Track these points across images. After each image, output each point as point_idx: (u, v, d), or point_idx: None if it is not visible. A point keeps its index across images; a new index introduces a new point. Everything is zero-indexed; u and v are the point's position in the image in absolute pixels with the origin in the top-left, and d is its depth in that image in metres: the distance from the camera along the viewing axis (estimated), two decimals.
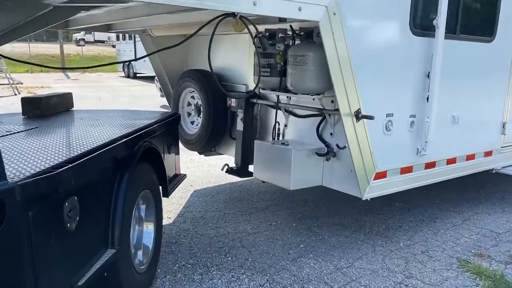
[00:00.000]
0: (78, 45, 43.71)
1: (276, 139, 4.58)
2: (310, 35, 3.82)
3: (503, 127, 5.18)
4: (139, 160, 3.11)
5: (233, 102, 4.99)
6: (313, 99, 3.93)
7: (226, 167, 4.87)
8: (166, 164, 3.83)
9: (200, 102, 5.39)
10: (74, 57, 36.21)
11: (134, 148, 3.06)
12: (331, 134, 4.08)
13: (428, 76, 4.11)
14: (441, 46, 4.01)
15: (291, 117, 4.50)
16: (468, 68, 4.60)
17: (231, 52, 5.15)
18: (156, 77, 14.12)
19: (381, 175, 3.95)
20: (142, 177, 3.23)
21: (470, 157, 4.87)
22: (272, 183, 4.19)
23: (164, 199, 3.83)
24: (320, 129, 4.15)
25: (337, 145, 3.73)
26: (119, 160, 2.83)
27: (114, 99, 15.67)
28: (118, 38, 27.63)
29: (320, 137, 4.14)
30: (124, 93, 17.67)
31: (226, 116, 5.19)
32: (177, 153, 4.45)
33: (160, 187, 3.80)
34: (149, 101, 15.07)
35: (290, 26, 3.91)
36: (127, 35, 25.64)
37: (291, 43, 4.05)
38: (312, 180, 4.14)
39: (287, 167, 3.96)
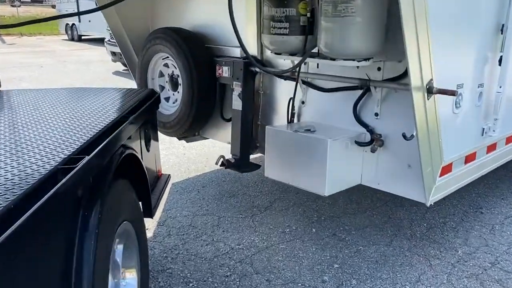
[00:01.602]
0: (12, 6, 39.51)
1: (290, 121, 3.39)
2: None
3: None
4: (113, 178, 1.86)
5: (224, 72, 3.73)
6: (358, 67, 2.75)
7: (222, 160, 3.65)
8: (147, 168, 2.58)
9: (177, 72, 4.08)
10: (8, 19, 32.62)
11: (105, 162, 1.79)
12: (376, 114, 2.94)
13: (501, 30, 3.01)
14: None
15: (311, 91, 3.32)
16: None
17: (219, 3, 3.82)
18: (106, 39, 12.42)
19: (447, 169, 2.89)
20: (118, 204, 1.98)
21: None
22: (295, 185, 3.05)
23: None
24: (358, 107, 3.00)
25: (404, 135, 2.59)
26: (82, 191, 1.57)
27: (58, 66, 13.74)
28: None
29: (359, 119, 3.00)
30: (69, 58, 15.65)
31: (215, 91, 3.93)
32: (157, 147, 3.18)
33: (140, 203, 2.57)
34: (100, 67, 13.30)
35: None
36: None
37: None
38: (350, 179, 3.03)
39: (319, 164, 2.82)
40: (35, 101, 2.63)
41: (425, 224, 3.76)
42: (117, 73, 12.22)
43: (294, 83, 3.31)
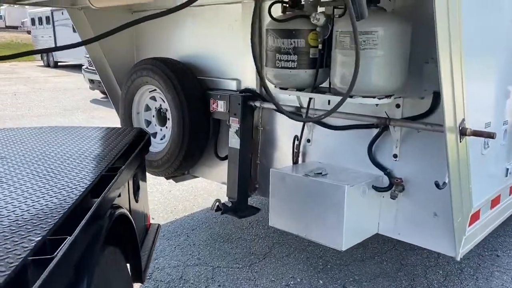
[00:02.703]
0: None
1: (295, 161, 3.06)
2: None
3: None
4: (101, 248, 1.47)
5: (219, 106, 3.39)
6: (377, 105, 2.45)
7: (217, 204, 3.28)
8: (136, 223, 2.18)
9: (165, 106, 3.73)
10: None
11: (92, 232, 1.41)
12: (394, 156, 2.63)
13: None
14: None
15: (318, 129, 3.00)
16: None
17: (213, 31, 3.52)
18: (84, 67, 11.99)
19: (475, 217, 2.59)
20: (107, 279, 1.58)
21: None
22: (305, 238, 2.69)
23: None
24: (374, 148, 2.69)
25: (437, 184, 2.27)
26: (63, 274, 1.18)
27: (33, 94, 13.19)
28: (33, 23, 24.32)
29: (375, 160, 2.69)
30: (45, 85, 15.12)
31: (208, 126, 3.58)
32: (146, 194, 2.79)
33: (128, 265, 2.16)
34: (76, 95, 12.82)
35: None
36: (44, 18, 22.51)
37: (333, 13, 2.50)
38: (367, 229, 2.69)
39: (335, 214, 2.47)
40: None
41: (440, 272, 3.43)
42: (95, 101, 11.77)
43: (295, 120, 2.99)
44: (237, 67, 3.40)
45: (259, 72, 2.52)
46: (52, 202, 1.40)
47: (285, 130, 3.23)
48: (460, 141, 2.19)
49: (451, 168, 2.16)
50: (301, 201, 2.62)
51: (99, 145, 2.25)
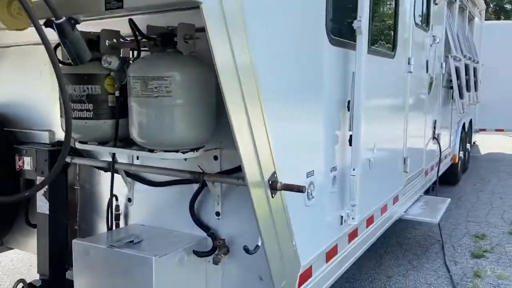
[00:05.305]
0: None
1: (113, 225, 2.61)
2: (169, 40, 2.01)
3: (404, 162, 4.16)
4: None
5: (26, 164, 2.85)
6: (185, 159, 2.13)
7: (22, 285, 2.67)
8: None
9: None
10: None
11: None
12: (217, 214, 2.33)
13: (347, 107, 2.71)
14: (364, 60, 2.65)
15: (139, 186, 2.61)
16: (380, 92, 3.41)
17: (20, 75, 3.01)
18: None
19: (306, 276, 2.35)
20: None
21: (384, 209, 3.67)
22: None
23: None
24: (196, 206, 2.37)
25: (246, 249, 1.97)
26: None
27: None
28: None
29: (197, 220, 2.36)
30: None
31: (18, 189, 2.99)
32: None
33: None
34: None
35: (130, 20, 2.03)
36: None
37: (131, 55, 2.18)
38: None
39: None
40: None
41: None
42: None
43: (118, 176, 2.58)
44: (49, 117, 2.91)
45: (68, 124, 2.00)
46: None
47: (108, 188, 2.79)
48: (273, 197, 1.95)
49: (262, 230, 1.90)
50: (108, 280, 2.17)
51: None
